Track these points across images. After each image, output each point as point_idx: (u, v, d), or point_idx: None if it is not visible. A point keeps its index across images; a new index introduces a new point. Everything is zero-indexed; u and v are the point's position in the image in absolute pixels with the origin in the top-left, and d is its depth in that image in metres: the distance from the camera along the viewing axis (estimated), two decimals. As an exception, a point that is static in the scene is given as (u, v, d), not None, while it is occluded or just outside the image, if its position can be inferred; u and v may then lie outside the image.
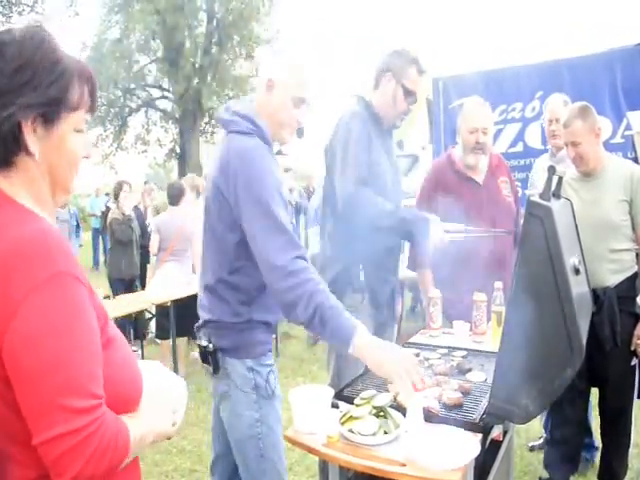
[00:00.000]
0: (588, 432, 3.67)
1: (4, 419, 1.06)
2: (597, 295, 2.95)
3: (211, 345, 2.04)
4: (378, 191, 2.77)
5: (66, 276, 1.04)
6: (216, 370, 2.06)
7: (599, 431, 3.36)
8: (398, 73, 2.85)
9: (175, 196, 6.25)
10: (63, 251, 1.06)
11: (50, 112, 1.11)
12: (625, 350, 3.03)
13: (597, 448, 3.64)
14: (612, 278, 3.01)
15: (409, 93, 2.87)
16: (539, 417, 3.69)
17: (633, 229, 3.03)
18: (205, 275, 2.12)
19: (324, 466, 2.86)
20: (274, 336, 2.15)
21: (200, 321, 2.14)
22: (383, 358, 1.86)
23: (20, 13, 17.71)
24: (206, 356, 2.07)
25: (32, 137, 1.10)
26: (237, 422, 2.06)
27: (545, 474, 3.42)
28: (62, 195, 1.21)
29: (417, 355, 2.39)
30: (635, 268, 3.08)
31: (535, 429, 4.03)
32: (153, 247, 6.17)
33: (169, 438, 1.31)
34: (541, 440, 3.88)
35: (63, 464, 0.99)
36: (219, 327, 2.06)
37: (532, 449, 3.90)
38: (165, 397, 1.29)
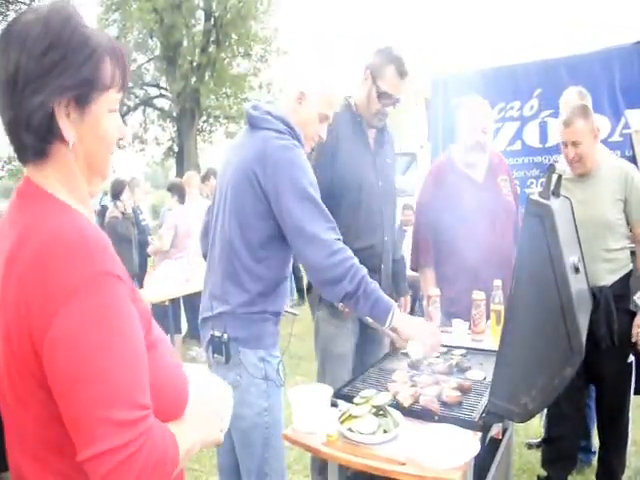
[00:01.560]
0: (586, 436, 3.67)
1: (51, 433, 0.99)
2: (593, 294, 2.94)
3: (225, 335, 2.08)
4: (353, 193, 2.75)
5: (106, 276, 0.96)
6: (228, 359, 2.09)
7: (597, 435, 3.37)
8: (375, 73, 2.78)
9: (184, 195, 6.36)
10: (102, 248, 0.99)
11: (83, 94, 1.03)
12: (621, 348, 3.03)
13: (594, 452, 3.65)
14: (608, 277, 3.01)
15: (383, 95, 2.78)
16: (538, 415, 3.69)
17: (628, 228, 3.03)
18: (224, 262, 2.13)
19: (315, 463, 2.87)
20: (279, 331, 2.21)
21: (211, 312, 2.15)
22: (414, 332, 2.19)
23: (17, 11, 17.65)
24: (219, 346, 2.10)
25: (66, 122, 1.02)
26: (246, 410, 2.09)
27: (543, 472, 3.42)
28: (98, 181, 1.14)
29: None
30: (630, 267, 3.09)
31: (534, 427, 4.03)
32: (165, 244, 6.19)
33: (218, 445, 1.25)
34: (540, 438, 3.88)
35: None
36: (234, 318, 2.09)
37: (530, 447, 3.90)
38: (214, 404, 1.24)
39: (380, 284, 2.50)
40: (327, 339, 2.83)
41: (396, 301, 3.01)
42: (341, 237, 2.07)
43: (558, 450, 3.29)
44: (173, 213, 6.41)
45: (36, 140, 1.02)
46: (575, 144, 2.98)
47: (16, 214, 1.05)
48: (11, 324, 0.96)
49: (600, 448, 3.29)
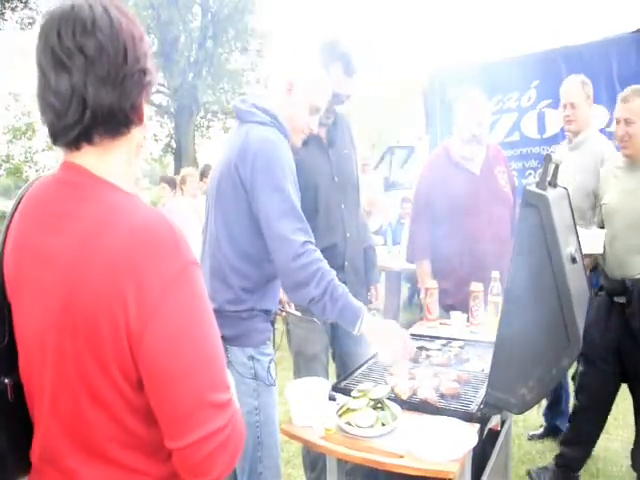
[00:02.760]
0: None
1: (127, 429, 1.00)
2: (626, 286, 2.84)
3: None
4: (309, 194, 2.58)
5: (193, 265, 0.99)
6: None
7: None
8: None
9: (175, 187, 6.34)
10: (184, 237, 1.00)
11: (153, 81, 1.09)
12: None
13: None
14: None
15: (331, 94, 2.52)
16: (537, 406, 3.69)
17: None
18: (211, 258, 2.09)
19: (307, 460, 2.86)
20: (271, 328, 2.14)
21: None
22: (381, 339, 2.07)
23: (13, 9, 17.60)
24: None
25: (144, 102, 1.07)
26: None
27: (541, 464, 3.41)
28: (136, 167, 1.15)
29: (420, 348, 2.39)
30: None
31: (533, 418, 4.03)
32: None
33: None
34: (541, 429, 3.88)
35: (209, 464, 0.96)
36: (220, 316, 2.01)
37: (531, 438, 3.90)
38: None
39: (345, 282, 2.44)
40: (299, 341, 2.80)
41: (368, 290, 2.96)
42: (312, 239, 1.98)
43: (580, 436, 3.19)
44: (168, 205, 6.36)
45: (135, 115, 1.05)
46: (627, 122, 2.86)
47: (73, 205, 1.01)
48: (96, 320, 0.94)
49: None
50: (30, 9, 17.46)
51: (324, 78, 2.17)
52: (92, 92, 0.98)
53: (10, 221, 1.08)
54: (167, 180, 6.51)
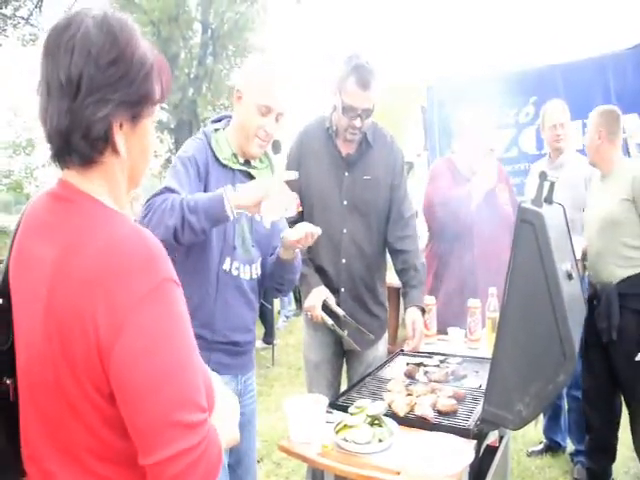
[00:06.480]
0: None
1: (103, 440, 1.00)
2: (596, 290, 3.10)
3: None
4: (305, 210, 2.60)
5: (169, 282, 0.98)
6: None
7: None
8: (339, 84, 2.55)
9: None
10: (163, 255, 1.00)
11: (141, 109, 1.05)
12: (623, 345, 3.01)
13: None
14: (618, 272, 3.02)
15: (347, 108, 2.53)
16: (535, 422, 3.68)
17: None
18: None
19: (310, 470, 2.84)
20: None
21: None
22: (249, 194, 1.87)
23: (15, 26, 17.72)
24: None
25: (120, 135, 1.03)
26: None
27: (541, 479, 3.40)
28: (133, 190, 1.15)
29: (417, 365, 2.42)
30: None
31: (531, 434, 4.02)
32: None
33: (236, 444, 1.24)
34: (541, 445, 3.87)
35: None
36: None
37: (531, 454, 3.88)
38: (231, 404, 1.23)
39: (340, 305, 2.54)
40: (305, 346, 2.87)
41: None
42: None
43: (597, 443, 3.34)
44: None
45: (90, 149, 1.01)
46: None
47: (60, 218, 1.04)
48: (70, 331, 0.95)
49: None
50: (32, 26, 17.55)
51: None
52: (49, 118, 1.01)
53: (15, 232, 1.11)
54: None
